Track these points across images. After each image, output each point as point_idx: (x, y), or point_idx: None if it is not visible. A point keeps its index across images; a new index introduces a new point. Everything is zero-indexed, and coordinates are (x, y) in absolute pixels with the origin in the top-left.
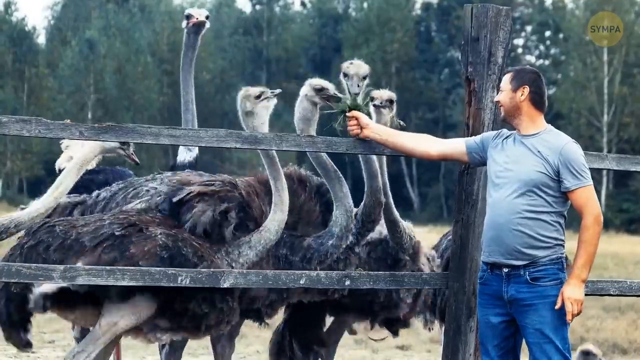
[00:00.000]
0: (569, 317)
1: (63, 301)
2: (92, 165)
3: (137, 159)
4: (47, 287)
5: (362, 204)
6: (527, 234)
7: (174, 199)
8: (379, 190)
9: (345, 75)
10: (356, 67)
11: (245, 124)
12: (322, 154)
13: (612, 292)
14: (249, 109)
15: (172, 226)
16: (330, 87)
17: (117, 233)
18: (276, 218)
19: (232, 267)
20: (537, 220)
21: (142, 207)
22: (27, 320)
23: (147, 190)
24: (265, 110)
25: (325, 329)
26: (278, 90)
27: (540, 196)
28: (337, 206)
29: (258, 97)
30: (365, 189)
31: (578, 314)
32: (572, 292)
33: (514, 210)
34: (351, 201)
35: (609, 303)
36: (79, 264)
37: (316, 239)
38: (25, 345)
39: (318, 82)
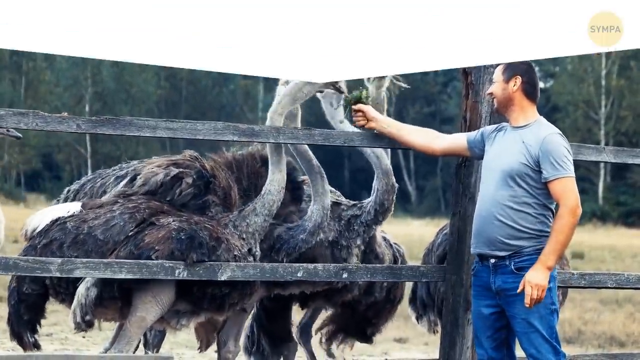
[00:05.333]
0: (526, 300)
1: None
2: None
3: (17, 134)
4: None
5: (373, 193)
6: (508, 225)
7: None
8: (390, 172)
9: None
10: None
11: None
12: (307, 149)
13: (609, 285)
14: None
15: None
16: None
17: (130, 234)
18: (275, 178)
19: (244, 239)
20: (519, 211)
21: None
22: (37, 321)
23: (116, 178)
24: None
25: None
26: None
27: (521, 186)
28: (315, 201)
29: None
30: (375, 172)
31: (538, 300)
32: (533, 276)
33: (496, 202)
34: (329, 200)
35: (606, 296)
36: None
37: (287, 230)
38: (32, 346)
39: None
